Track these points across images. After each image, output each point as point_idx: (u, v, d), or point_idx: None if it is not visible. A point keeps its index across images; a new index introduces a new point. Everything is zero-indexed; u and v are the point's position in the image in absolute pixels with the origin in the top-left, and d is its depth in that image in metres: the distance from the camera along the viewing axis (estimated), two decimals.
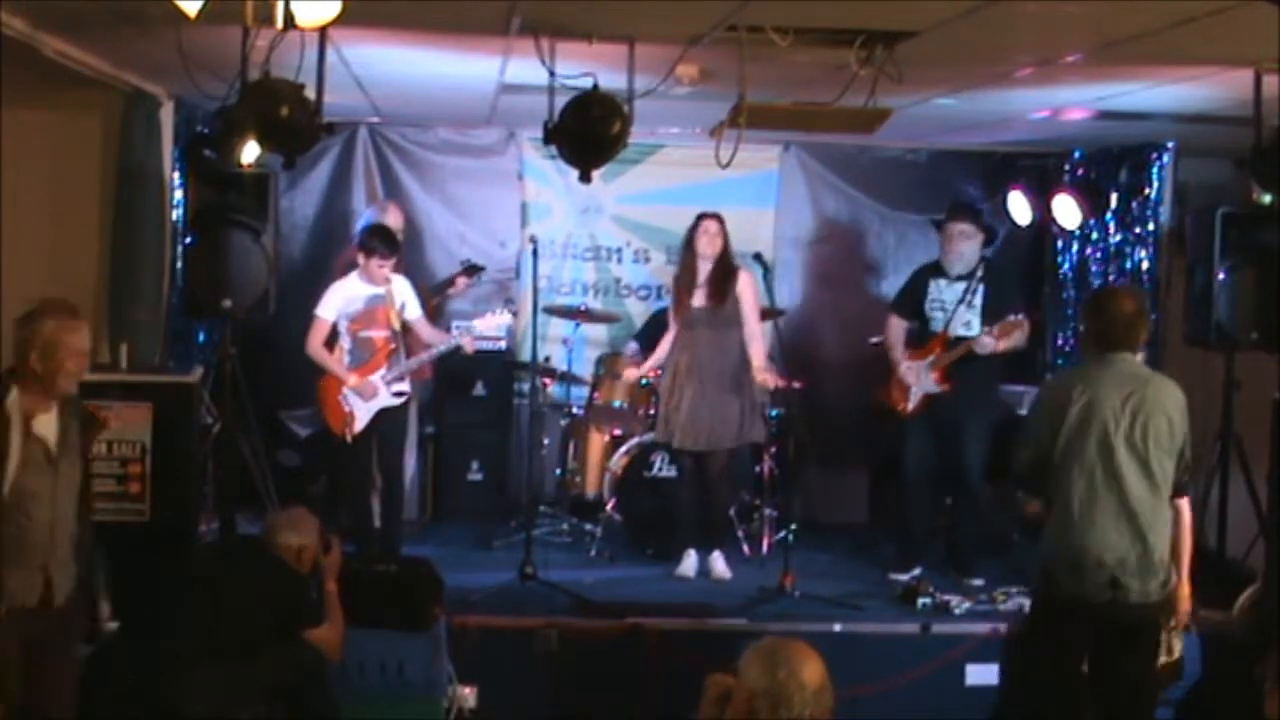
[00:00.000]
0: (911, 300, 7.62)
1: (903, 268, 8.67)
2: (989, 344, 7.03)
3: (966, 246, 7.37)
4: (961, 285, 7.33)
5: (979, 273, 7.35)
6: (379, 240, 7.04)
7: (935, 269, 7.59)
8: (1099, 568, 4.65)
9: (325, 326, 7.06)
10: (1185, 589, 4.93)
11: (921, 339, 7.43)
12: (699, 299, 7.19)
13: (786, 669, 3.04)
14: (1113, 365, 4.78)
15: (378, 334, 7.09)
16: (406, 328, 7.19)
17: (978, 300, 7.24)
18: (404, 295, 7.16)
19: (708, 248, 7.16)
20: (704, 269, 7.18)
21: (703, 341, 7.16)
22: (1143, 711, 4.84)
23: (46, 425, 4.37)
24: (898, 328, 7.66)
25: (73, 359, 4.36)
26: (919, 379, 7.31)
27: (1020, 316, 7.08)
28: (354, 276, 7.11)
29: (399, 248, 7.24)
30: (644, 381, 7.83)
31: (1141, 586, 4.66)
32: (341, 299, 7.06)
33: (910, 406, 7.35)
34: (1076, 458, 4.70)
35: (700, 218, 7.26)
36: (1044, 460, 4.76)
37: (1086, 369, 4.87)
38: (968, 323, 7.22)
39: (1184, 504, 4.87)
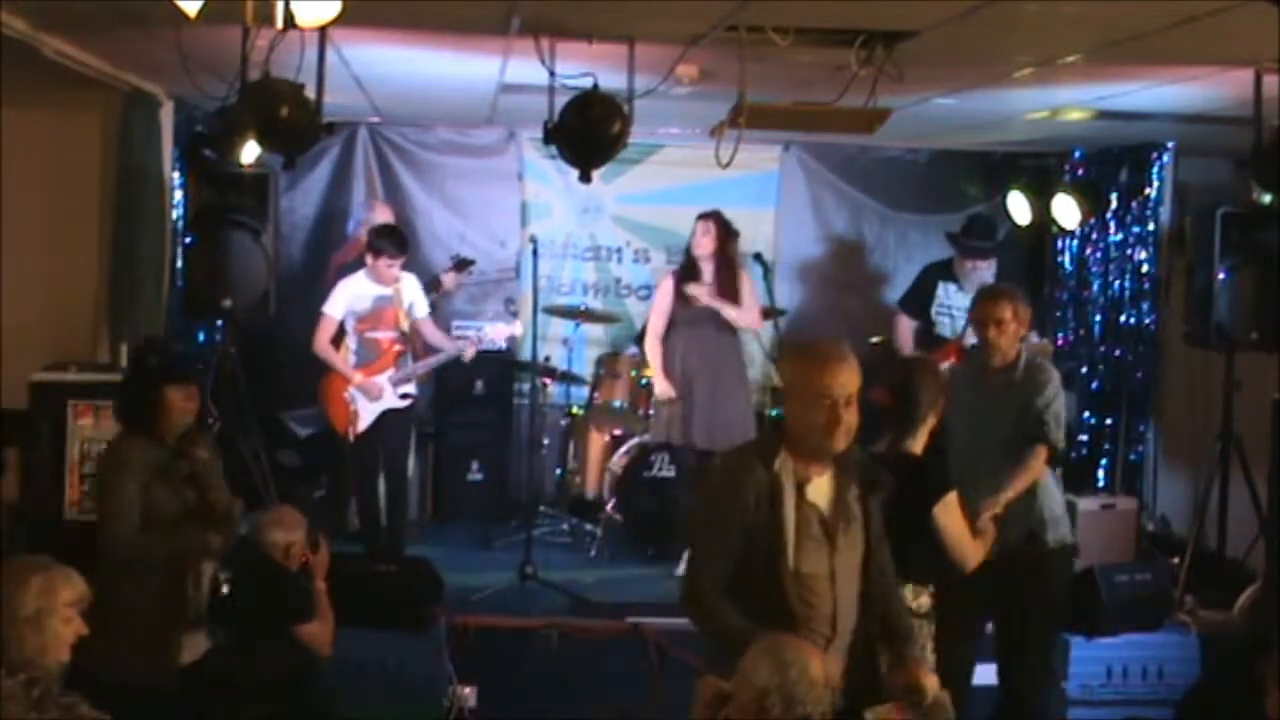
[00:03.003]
0: (918, 300, 7.60)
1: (903, 268, 8.69)
2: None
3: (984, 270, 7.40)
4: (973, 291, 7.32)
5: (990, 280, 7.34)
6: (388, 240, 7.05)
7: (945, 271, 7.58)
8: None
9: (332, 324, 7.07)
10: None
11: (929, 343, 7.40)
12: (706, 297, 7.21)
13: (797, 667, 3.06)
14: None
15: (384, 335, 7.10)
16: (413, 328, 7.20)
17: None
18: (412, 296, 7.17)
19: (697, 249, 7.23)
20: (707, 268, 7.21)
21: (711, 339, 7.19)
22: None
23: (819, 490, 3.62)
24: (907, 327, 7.64)
25: (845, 409, 3.55)
26: None
27: (1045, 340, 7.06)
28: (362, 275, 7.12)
29: (408, 248, 7.25)
30: (643, 381, 7.84)
31: None
32: (350, 297, 7.07)
33: None
34: None
35: (696, 219, 7.30)
36: None
37: None
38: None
39: None
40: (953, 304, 7.43)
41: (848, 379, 3.53)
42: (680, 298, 7.27)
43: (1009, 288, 5.41)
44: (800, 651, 3.10)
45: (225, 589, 4.73)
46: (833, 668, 3.43)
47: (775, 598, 3.47)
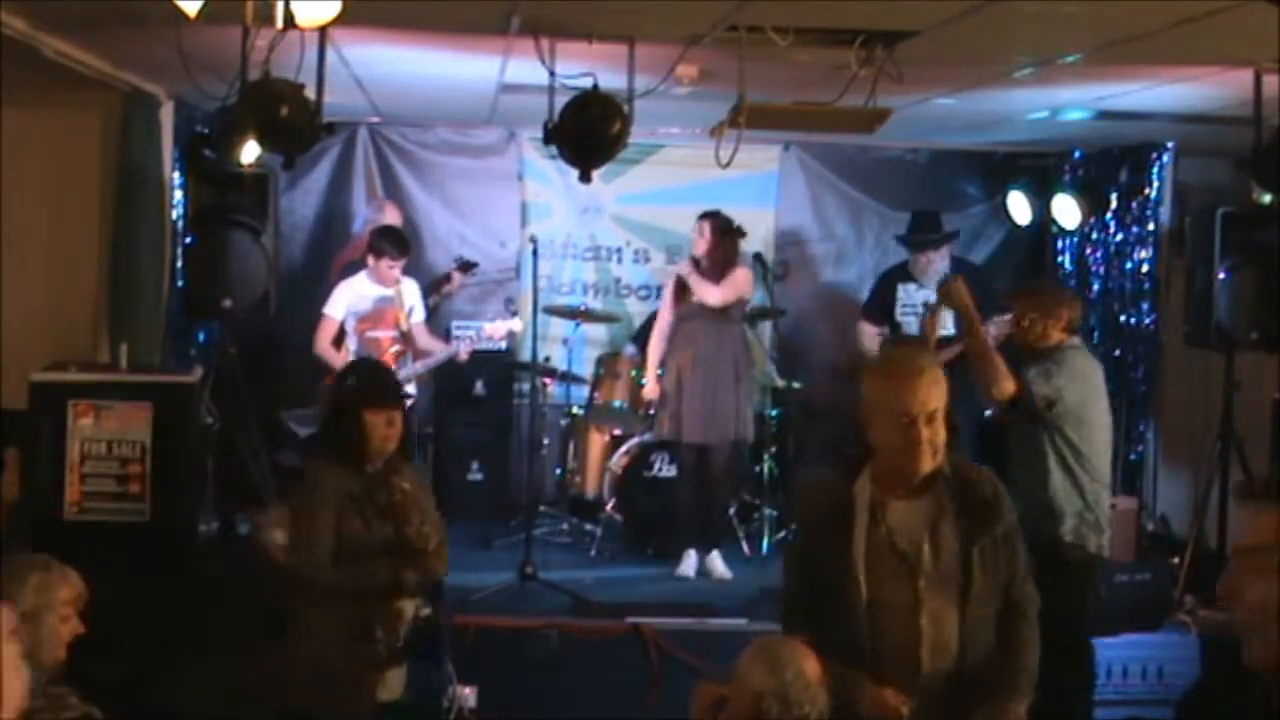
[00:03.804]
0: (881, 307, 7.67)
1: None
2: None
3: (938, 262, 7.45)
4: (933, 288, 7.35)
5: (947, 271, 7.38)
6: (389, 242, 7.09)
7: (902, 273, 7.64)
8: None
9: (334, 325, 7.10)
10: None
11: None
12: (692, 276, 7.23)
13: (793, 668, 3.04)
14: None
15: (384, 334, 7.14)
16: (409, 332, 7.21)
17: None
18: (412, 298, 7.20)
19: (694, 249, 7.28)
20: (703, 266, 7.23)
21: (703, 336, 7.20)
22: None
23: (901, 515, 3.36)
24: (870, 334, 7.70)
25: (926, 427, 3.25)
26: None
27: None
28: (363, 276, 7.15)
29: (409, 249, 7.28)
30: (642, 381, 7.83)
31: None
32: (351, 297, 7.11)
33: None
34: None
35: (697, 219, 7.32)
36: None
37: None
38: (943, 323, 7.23)
39: None
40: (915, 303, 7.47)
41: (928, 395, 3.24)
42: (680, 295, 7.29)
43: (1031, 286, 5.76)
44: (795, 652, 3.07)
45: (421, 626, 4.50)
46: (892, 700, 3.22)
47: (848, 627, 3.28)
